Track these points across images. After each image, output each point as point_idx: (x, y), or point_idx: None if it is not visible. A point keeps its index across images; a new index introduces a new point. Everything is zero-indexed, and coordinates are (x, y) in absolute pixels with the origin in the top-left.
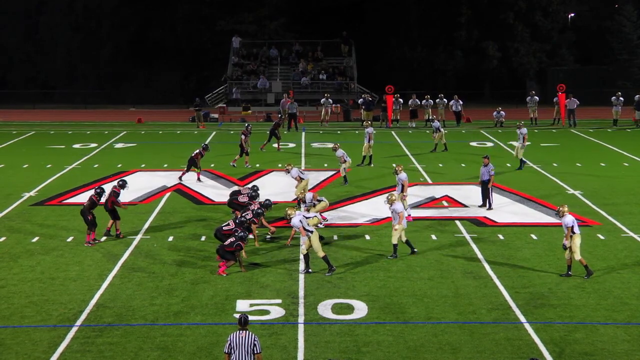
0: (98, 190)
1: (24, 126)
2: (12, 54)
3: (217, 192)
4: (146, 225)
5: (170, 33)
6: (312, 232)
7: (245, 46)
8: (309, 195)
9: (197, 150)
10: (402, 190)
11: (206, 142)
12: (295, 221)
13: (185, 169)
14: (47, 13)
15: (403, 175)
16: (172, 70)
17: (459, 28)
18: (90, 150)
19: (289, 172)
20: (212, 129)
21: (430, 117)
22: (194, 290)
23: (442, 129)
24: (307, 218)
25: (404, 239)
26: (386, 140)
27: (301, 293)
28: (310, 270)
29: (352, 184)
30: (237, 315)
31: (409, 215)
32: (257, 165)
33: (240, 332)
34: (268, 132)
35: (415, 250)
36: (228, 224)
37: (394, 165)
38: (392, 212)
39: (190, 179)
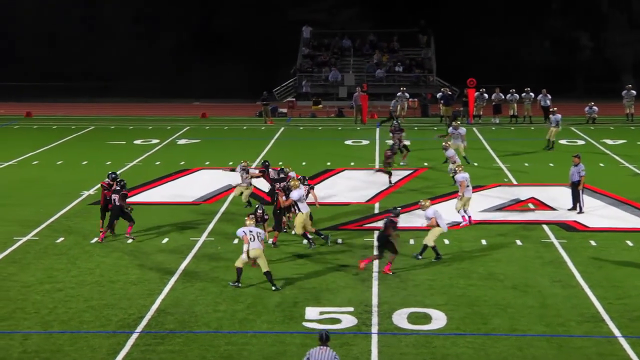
0: (122, 183)
1: (83, 121)
2: (70, 46)
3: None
4: (210, 227)
5: (236, 23)
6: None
7: (316, 36)
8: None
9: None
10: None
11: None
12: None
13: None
14: (106, 3)
15: (460, 176)
16: (238, 63)
17: (548, 16)
18: (151, 147)
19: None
20: (280, 124)
21: (552, 110)
22: (260, 296)
23: (559, 125)
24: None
25: (431, 244)
26: (467, 137)
27: (374, 301)
28: (313, 244)
29: (431, 183)
30: (307, 324)
31: (466, 216)
32: (328, 163)
33: (321, 348)
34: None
35: (440, 255)
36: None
37: (451, 166)
38: (425, 218)
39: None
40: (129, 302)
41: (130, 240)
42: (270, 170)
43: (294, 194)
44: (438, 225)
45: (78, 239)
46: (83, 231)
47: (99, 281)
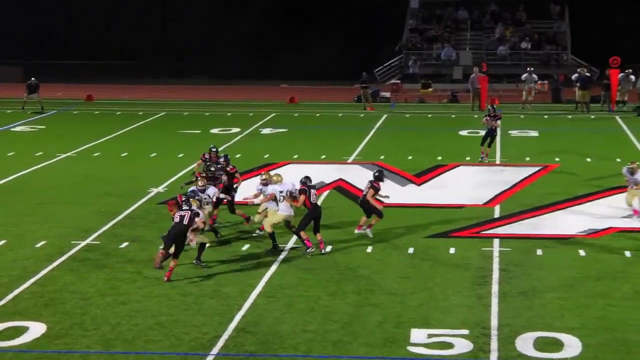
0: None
1: (153, 105)
2: (140, 20)
3: (386, 190)
4: None
5: None
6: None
7: (426, 6)
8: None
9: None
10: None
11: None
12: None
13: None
14: None
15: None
16: (333, 39)
17: None
18: (231, 137)
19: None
20: (382, 110)
21: None
22: (357, 315)
23: None
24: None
25: (269, 229)
26: (608, 128)
27: (494, 322)
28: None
29: (565, 182)
30: (412, 349)
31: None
32: (439, 158)
33: None
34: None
35: (276, 246)
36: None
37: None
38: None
39: (353, 173)
40: (203, 319)
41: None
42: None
43: (269, 189)
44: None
45: (145, 244)
46: (150, 235)
47: (168, 294)
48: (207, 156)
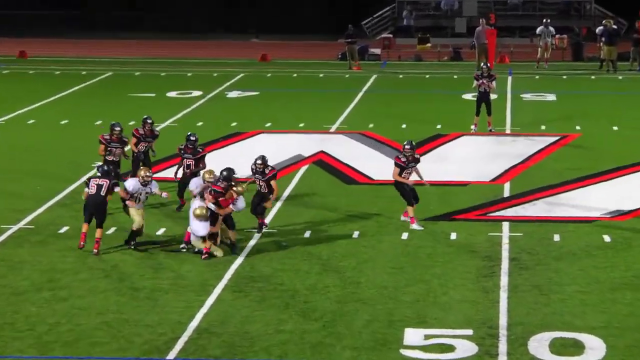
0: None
1: (98, 64)
2: None
3: (377, 164)
4: (272, 214)
5: None
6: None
7: None
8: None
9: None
10: None
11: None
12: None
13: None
14: None
15: None
16: None
17: None
18: (191, 101)
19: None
20: (371, 70)
21: None
22: (341, 312)
23: None
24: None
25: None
26: (635, 90)
27: (503, 321)
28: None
29: (587, 155)
30: (406, 353)
31: None
32: (439, 126)
33: None
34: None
35: (131, 243)
36: None
37: None
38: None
39: (336, 144)
40: (158, 318)
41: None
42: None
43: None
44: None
45: (90, 230)
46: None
47: (117, 288)
48: (141, 131)
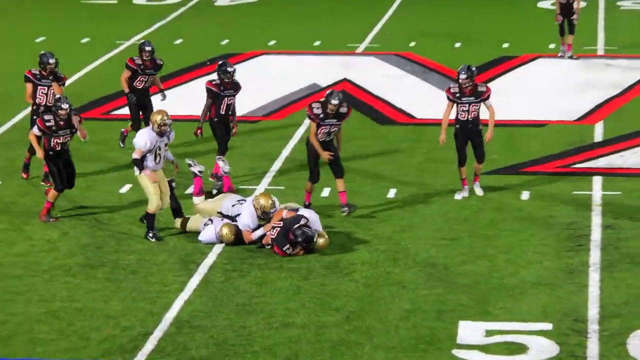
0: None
1: None
2: None
3: (420, 97)
4: (277, 165)
5: None
6: None
7: None
8: None
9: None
10: None
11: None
12: None
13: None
14: None
15: None
16: None
17: None
18: (167, 10)
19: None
20: None
21: None
22: (371, 299)
23: None
24: None
25: None
26: None
27: (593, 312)
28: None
29: None
30: (460, 354)
31: None
32: (505, 45)
33: None
34: None
35: None
36: None
37: None
38: None
39: (364, 70)
40: (122, 306)
41: None
42: None
43: None
44: None
45: (27, 187)
46: (38, 169)
47: (66, 265)
48: (137, 61)
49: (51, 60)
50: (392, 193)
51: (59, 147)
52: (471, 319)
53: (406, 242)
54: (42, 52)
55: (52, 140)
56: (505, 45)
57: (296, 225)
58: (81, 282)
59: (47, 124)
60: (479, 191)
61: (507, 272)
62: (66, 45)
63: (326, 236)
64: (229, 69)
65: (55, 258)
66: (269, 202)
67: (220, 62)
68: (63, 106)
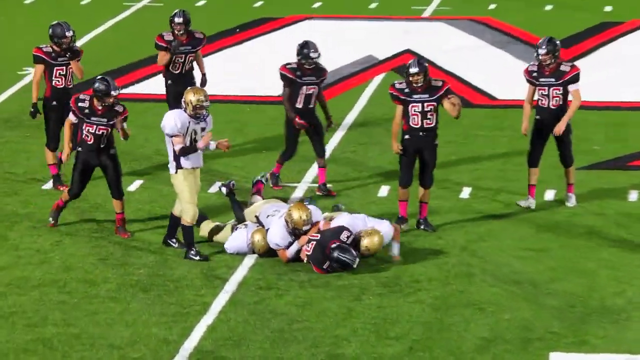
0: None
1: None
2: None
3: (502, 74)
4: (326, 155)
5: None
6: None
7: None
8: None
9: None
10: None
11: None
12: None
13: None
14: None
15: None
16: None
17: None
18: None
19: None
20: None
21: None
22: (440, 325)
23: None
24: None
25: None
26: None
27: None
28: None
29: None
30: None
31: None
32: (607, 9)
33: None
34: None
35: None
36: None
37: None
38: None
39: (431, 37)
40: (131, 333)
41: None
42: None
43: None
44: None
45: (4, 182)
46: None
47: (61, 281)
48: (167, 37)
49: (68, 34)
50: (466, 192)
51: (91, 139)
52: (564, 350)
53: (484, 253)
54: (55, 22)
55: (83, 128)
56: (608, 8)
57: (334, 245)
58: (79, 303)
59: (81, 104)
60: (570, 202)
61: (610, 292)
62: (62, 8)
63: (380, 233)
64: (312, 54)
65: (47, 272)
66: (302, 217)
67: (302, 42)
68: (113, 93)
